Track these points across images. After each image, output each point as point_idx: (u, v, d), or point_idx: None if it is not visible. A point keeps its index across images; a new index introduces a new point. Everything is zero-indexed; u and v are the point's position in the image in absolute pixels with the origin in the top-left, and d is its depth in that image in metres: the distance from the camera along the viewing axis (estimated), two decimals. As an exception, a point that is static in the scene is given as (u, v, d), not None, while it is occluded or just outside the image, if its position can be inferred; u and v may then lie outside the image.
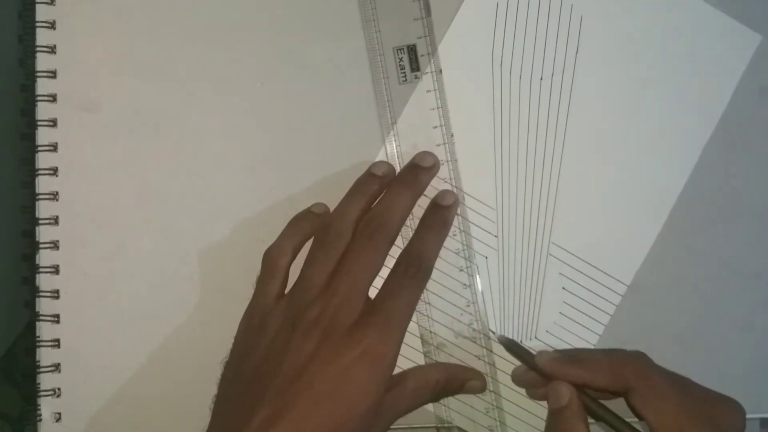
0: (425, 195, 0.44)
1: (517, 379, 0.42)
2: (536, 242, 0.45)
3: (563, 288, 0.44)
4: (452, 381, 0.41)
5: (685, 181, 0.45)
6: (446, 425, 0.44)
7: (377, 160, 0.44)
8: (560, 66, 0.45)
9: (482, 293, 0.44)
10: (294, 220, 0.43)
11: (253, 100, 0.45)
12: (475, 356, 0.44)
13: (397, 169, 0.44)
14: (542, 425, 0.43)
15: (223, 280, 0.44)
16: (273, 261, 0.41)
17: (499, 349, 0.44)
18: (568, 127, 0.45)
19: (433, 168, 0.43)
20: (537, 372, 0.39)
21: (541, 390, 0.40)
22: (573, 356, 0.39)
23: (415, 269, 0.39)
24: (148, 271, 0.44)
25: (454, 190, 0.44)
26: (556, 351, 0.40)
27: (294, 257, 0.41)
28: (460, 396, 0.43)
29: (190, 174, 0.44)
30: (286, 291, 0.41)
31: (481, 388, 0.42)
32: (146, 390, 0.44)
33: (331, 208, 0.42)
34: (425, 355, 0.44)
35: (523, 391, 0.42)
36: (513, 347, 0.41)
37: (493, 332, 0.44)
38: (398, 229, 0.41)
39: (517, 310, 0.45)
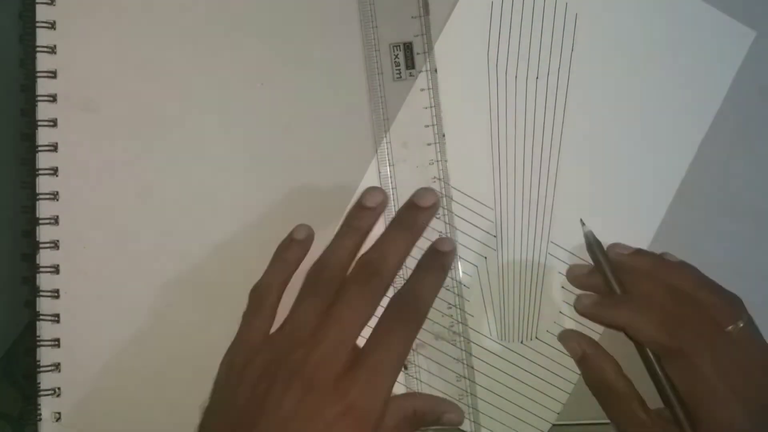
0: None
1: (575, 277, 0.43)
2: (535, 242, 0.45)
3: (563, 287, 0.44)
4: (430, 413, 0.39)
5: (682, 177, 0.45)
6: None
7: (367, 156, 0.45)
8: (556, 65, 0.45)
9: (463, 295, 0.45)
10: (278, 252, 0.41)
11: (253, 100, 0.45)
12: (455, 359, 0.44)
13: (387, 169, 0.44)
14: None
15: (223, 280, 0.44)
16: (259, 298, 0.40)
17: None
18: (564, 126, 0.45)
19: (432, 207, 0.40)
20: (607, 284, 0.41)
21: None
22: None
23: (411, 313, 0.37)
24: (148, 271, 0.44)
25: (443, 189, 0.44)
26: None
27: (281, 293, 0.40)
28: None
29: (190, 174, 0.45)
30: (273, 330, 0.39)
31: (459, 422, 0.40)
32: (146, 390, 0.44)
33: (328, 210, 0.42)
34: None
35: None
36: (597, 247, 0.41)
37: (583, 223, 0.42)
38: (394, 275, 0.38)
39: (518, 310, 0.45)
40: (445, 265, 0.40)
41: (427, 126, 0.44)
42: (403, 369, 0.44)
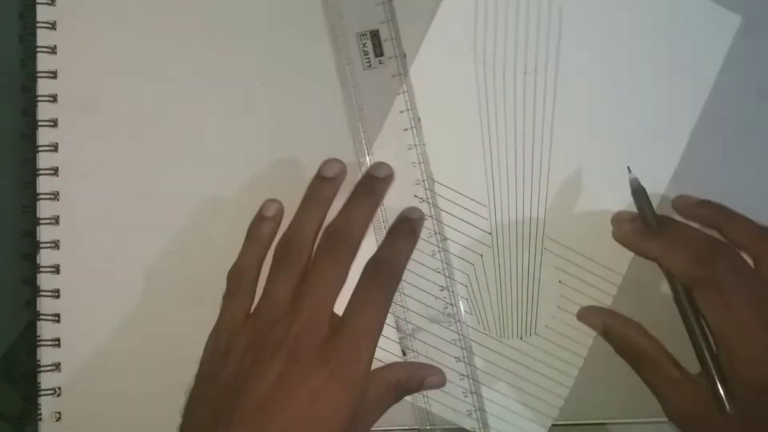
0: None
1: (619, 223, 0.43)
2: (530, 237, 0.45)
3: (560, 282, 0.45)
4: (411, 380, 0.40)
5: (675, 167, 0.45)
6: (428, 428, 0.44)
7: (346, 147, 0.45)
8: (543, 59, 0.45)
9: (455, 278, 0.45)
10: (250, 231, 0.42)
11: (253, 100, 0.45)
12: (450, 341, 0.44)
13: (366, 158, 0.44)
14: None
15: (223, 280, 0.44)
16: (237, 279, 0.41)
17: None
18: (555, 121, 0.45)
19: (388, 178, 0.42)
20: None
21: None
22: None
23: (385, 275, 0.39)
24: (148, 271, 0.44)
25: (424, 172, 0.44)
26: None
27: (259, 271, 0.41)
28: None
29: (190, 174, 0.45)
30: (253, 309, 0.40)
31: (441, 384, 0.42)
32: (146, 390, 0.44)
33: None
34: (401, 342, 0.44)
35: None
36: (641, 193, 0.42)
37: (630, 170, 0.44)
38: (360, 240, 0.40)
39: (515, 307, 0.45)
40: (415, 230, 0.42)
41: (401, 111, 0.45)
42: (402, 355, 0.44)
